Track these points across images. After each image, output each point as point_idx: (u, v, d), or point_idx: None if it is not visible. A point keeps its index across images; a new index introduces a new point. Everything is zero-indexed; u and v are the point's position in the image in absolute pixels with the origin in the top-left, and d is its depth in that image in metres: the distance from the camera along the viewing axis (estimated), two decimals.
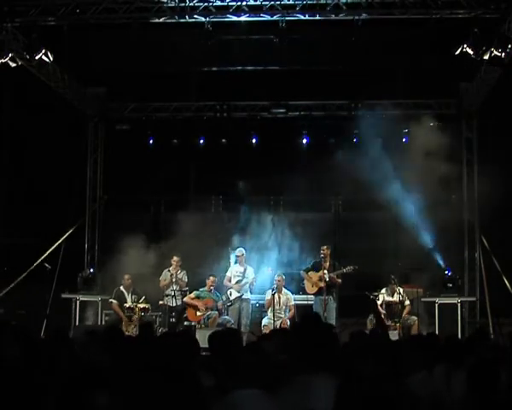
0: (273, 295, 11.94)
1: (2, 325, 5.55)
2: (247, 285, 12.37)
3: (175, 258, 12.55)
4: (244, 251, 12.60)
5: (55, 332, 5.37)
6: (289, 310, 12.17)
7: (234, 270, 12.57)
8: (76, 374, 3.28)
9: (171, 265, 12.60)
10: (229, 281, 12.43)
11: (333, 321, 11.31)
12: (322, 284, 11.99)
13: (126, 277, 12.51)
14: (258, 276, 12.54)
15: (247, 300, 12.35)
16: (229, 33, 12.22)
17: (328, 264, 12.14)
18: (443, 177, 12.65)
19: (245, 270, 12.47)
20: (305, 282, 12.39)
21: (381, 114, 14.07)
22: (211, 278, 12.39)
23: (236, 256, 12.64)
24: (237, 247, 12.83)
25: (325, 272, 11.99)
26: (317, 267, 12.24)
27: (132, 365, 3.84)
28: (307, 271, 12.34)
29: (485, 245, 13.12)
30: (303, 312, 11.94)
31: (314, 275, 12.20)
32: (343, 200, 14.71)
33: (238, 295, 12.31)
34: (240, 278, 12.42)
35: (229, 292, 12.32)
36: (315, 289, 12.16)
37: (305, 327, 4.00)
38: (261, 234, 13.47)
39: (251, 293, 12.50)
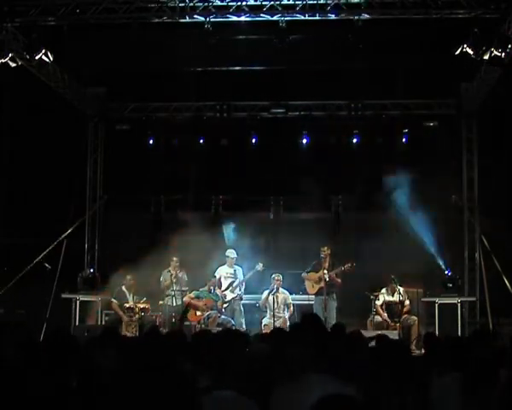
0: (272, 295, 12.03)
1: (3, 325, 5.54)
2: (239, 285, 12.48)
3: (174, 258, 12.61)
4: (235, 253, 12.66)
5: (57, 332, 5.35)
6: (288, 309, 12.25)
7: (224, 271, 12.63)
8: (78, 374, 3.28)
9: (169, 265, 12.64)
10: (220, 284, 12.46)
11: (333, 321, 11.34)
12: (322, 284, 12.07)
13: (129, 277, 12.53)
14: (252, 275, 12.56)
15: (239, 299, 12.43)
16: (229, 33, 12.21)
17: (327, 264, 12.22)
18: (443, 177, 12.66)
19: (235, 270, 12.58)
20: (306, 282, 12.45)
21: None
22: (212, 280, 12.43)
23: (228, 257, 12.68)
24: (228, 248, 12.89)
25: (325, 271, 12.08)
26: (317, 268, 12.31)
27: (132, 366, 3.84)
28: (308, 272, 12.42)
29: (486, 245, 13.11)
30: (303, 311, 11.98)
31: (314, 275, 12.29)
32: (343, 200, 14.70)
33: (234, 295, 12.39)
34: (233, 278, 12.53)
35: (223, 294, 12.39)
36: (315, 290, 12.25)
37: (304, 327, 4.01)
38: (260, 234, 13.46)
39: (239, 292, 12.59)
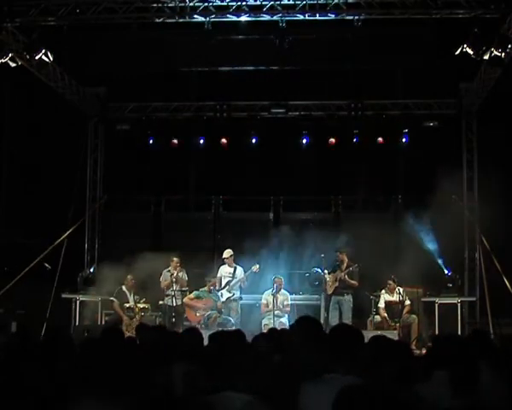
0: (273, 296, 12.06)
1: (3, 327, 5.55)
2: (238, 285, 12.46)
3: (174, 259, 12.57)
4: (232, 252, 12.65)
5: (56, 332, 5.36)
6: (286, 309, 12.29)
7: (223, 271, 12.63)
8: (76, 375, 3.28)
9: (169, 265, 12.64)
10: (220, 284, 12.48)
11: (348, 321, 11.46)
12: (336, 285, 12.24)
13: (129, 277, 12.51)
14: (248, 276, 12.55)
15: (237, 299, 12.45)
16: (229, 33, 12.21)
17: (345, 265, 12.29)
18: (443, 177, 12.65)
19: (235, 270, 12.57)
20: (326, 282, 12.58)
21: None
22: (212, 280, 12.43)
23: (224, 258, 12.68)
24: (226, 248, 12.89)
25: (338, 272, 12.22)
26: (335, 269, 12.41)
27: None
28: (329, 273, 12.50)
29: (486, 245, 13.10)
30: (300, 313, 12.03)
31: (332, 276, 12.41)
32: (343, 200, 14.70)
33: (230, 295, 12.39)
34: (230, 278, 12.51)
35: (220, 293, 12.40)
36: (331, 290, 12.36)
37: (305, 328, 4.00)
38: (261, 234, 13.46)
39: (241, 292, 12.57)
